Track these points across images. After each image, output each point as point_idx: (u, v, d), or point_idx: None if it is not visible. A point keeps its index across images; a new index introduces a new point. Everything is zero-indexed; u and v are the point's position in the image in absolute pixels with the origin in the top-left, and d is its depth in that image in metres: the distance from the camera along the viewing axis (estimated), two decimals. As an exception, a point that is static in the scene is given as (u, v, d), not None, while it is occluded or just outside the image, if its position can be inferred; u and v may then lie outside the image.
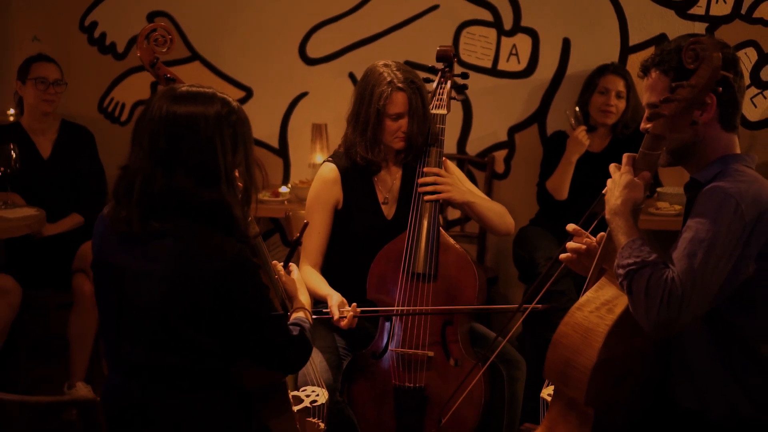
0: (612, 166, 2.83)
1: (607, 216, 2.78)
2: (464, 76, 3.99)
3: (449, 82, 3.91)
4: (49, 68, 5.06)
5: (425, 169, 3.74)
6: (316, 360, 3.54)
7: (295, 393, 3.25)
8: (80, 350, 4.75)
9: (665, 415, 2.87)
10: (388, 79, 3.69)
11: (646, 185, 2.76)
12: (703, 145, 2.80)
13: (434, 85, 3.91)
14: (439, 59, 3.94)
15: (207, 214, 2.60)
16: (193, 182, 2.58)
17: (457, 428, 3.64)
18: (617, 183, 2.77)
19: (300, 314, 2.98)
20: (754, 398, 2.73)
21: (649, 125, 2.74)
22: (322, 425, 3.27)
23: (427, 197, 3.72)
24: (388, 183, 3.86)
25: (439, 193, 3.72)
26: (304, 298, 3.07)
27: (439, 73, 3.93)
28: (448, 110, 3.83)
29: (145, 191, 2.60)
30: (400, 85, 3.68)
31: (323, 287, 3.70)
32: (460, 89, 4.05)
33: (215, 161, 2.60)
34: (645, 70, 2.86)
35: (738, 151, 2.83)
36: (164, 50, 3.21)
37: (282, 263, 3.10)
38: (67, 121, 5.22)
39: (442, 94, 3.86)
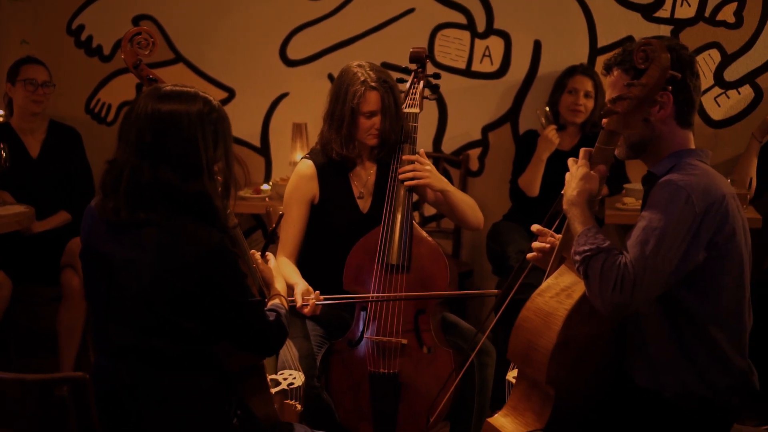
0: (570, 160, 2.94)
1: (564, 206, 2.89)
2: (436, 76, 4.08)
3: (422, 82, 4.00)
4: (38, 70, 5.13)
5: (404, 157, 3.83)
6: (294, 347, 3.66)
7: (273, 376, 3.35)
8: (68, 343, 4.83)
9: (623, 394, 2.96)
10: (362, 78, 3.79)
11: (602, 178, 2.87)
12: (659, 140, 2.90)
13: (407, 85, 3.99)
14: (412, 60, 4.03)
15: (190, 205, 2.69)
16: (176, 175, 2.67)
17: (429, 412, 3.69)
18: (574, 175, 2.89)
19: (276, 301, 3.08)
20: (704, 377, 2.84)
21: (605, 121, 2.86)
22: (299, 406, 3.38)
23: (407, 183, 3.81)
24: (363, 178, 3.96)
25: (419, 179, 3.82)
26: (280, 286, 3.17)
27: (413, 74, 4.02)
28: (421, 109, 3.93)
29: (132, 183, 2.69)
30: (373, 84, 3.78)
31: (293, 276, 3.78)
32: (433, 89, 4.13)
33: (197, 156, 2.70)
34: (607, 68, 2.96)
35: (693, 146, 2.93)
36: (147, 53, 3.29)
37: (260, 253, 3.21)
38: (56, 121, 5.28)
39: (415, 94, 3.95)
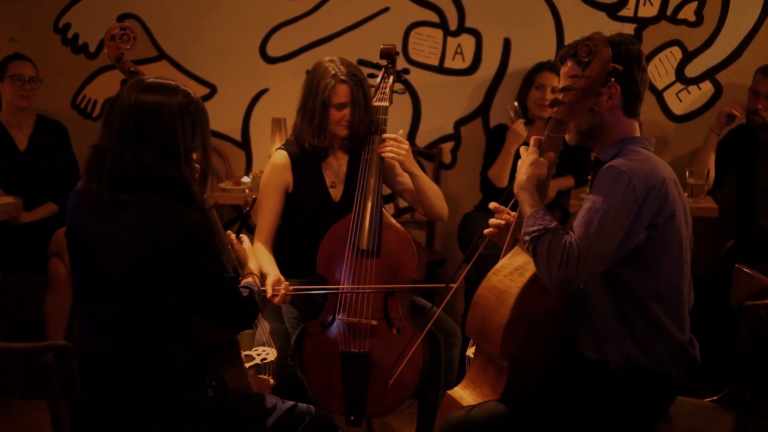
0: (522, 148, 3.09)
1: (515, 191, 3.03)
2: (405, 71, 4.20)
3: (392, 77, 4.12)
4: (25, 66, 5.24)
5: (385, 135, 3.95)
6: (269, 328, 3.78)
7: (247, 352, 3.48)
8: (55, 329, 4.91)
9: (573, 366, 3.09)
10: (333, 72, 3.96)
11: (551, 164, 3.01)
12: (606, 129, 3.04)
13: (378, 80, 4.11)
14: (382, 56, 4.15)
15: (168, 188, 2.83)
16: (156, 160, 2.81)
17: (398, 389, 3.86)
18: (524, 162, 3.03)
19: (249, 279, 3.22)
20: (645, 349, 2.98)
21: (553, 111, 3.00)
22: (271, 381, 3.50)
23: (385, 154, 3.93)
24: (335, 168, 4.10)
25: (397, 155, 3.93)
26: (253, 265, 3.31)
27: (383, 69, 4.14)
28: (390, 102, 4.05)
29: (115, 166, 2.82)
30: (343, 77, 3.94)
31: (267, 265, 3.92)
32: (403, 84, 4.22)
33: (176, 143, 2.84)
34: (562, 59, 3.09)
35: (637, 134, 3.07)
36: (128, 47, 3.44)
37: (235, 234, 3.35)
38: (43, 116, 5.38)
39: (385, 88, 4.07)
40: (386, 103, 4.05)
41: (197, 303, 2.91)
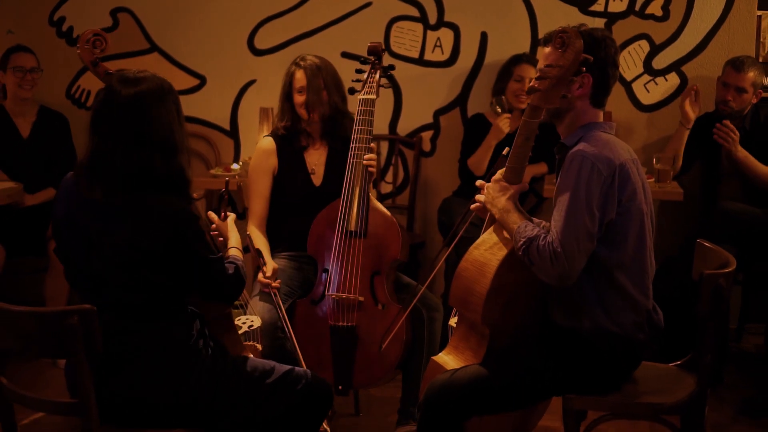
0: (479, 183, 3.32)
1: (498, 218, 3.22)
2: (391, 67, 4.40)
3: (378, 73, 4.32)
4: (27, 57, 5.35)
5: (367, 156, 4.17)
6: (259, 304, 4.01)
7: (235, 322, 3.64)
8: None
9: (548, 332, 3.28)
10: (296, 61, 4.33)
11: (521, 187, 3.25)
12: (573, 114, 3.21)
13: (365, 75, 4.33)
14: (370, 53, 4.36)
15: (168, 183, 2.90)
16: (162, 158, 2.89)
17: (384, 362, 4.05)
18: (492, 192, 3.24)
19: (233, 252, 3.33)
20: (614, 317, 3.17)
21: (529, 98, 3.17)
22: (259, 347, 3.71)
23: (366, 164, 4.17)
24: (315, 158, 4.39)
25: (374, 168, 4.20)
26: (234, 237, 3.41)
27: (370, 65, 4.35)
28: (378, 95, 4.26)
29: (122, 168, 2.88)
30: (301, 63, 4.31)
31: (265, 255, 4.20)
32: (389, 78, 4.40)
33: (173, 134, 2.92)
34: (545, 41, 3.23)
35: (600, 120, 3.24)
36: (98, 51, 3.49)
37: (224, 214, 3.48)
38: (45, 107, 5.48)
39: (372, 82, 4.29)
40: (373, 96, 4.26)
41: (188, 283, 3.00)
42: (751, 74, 5.12)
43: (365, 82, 4.32)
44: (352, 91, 4.35)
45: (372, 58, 4.37)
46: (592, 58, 3.10)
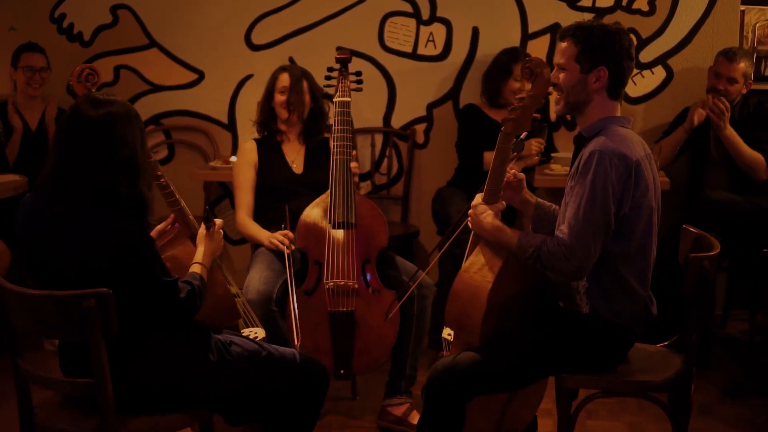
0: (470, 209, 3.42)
1: (490, 239, 3.33)
2: (358, 73, 4.62)
3: (348, 78, 4.55)
4: (37, 57, 5.51)
5: (353, 163, 4.42)
6: (255, 277, 4.21)
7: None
8: None
9: (546, 313, 3.37)
10: (281, 66, 4.68)
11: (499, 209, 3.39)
12: (591, 106, 3.28)
13: (336, 81, 4.55)
14: (337, 61, 4.58)
15: (124, 202, 2.93)
16: (117, 174, 2.92)
17: (382, 344, 4.24)
18: (476, 217, 3.35)
19: (194, 268, 3.26)
20: (612, 305, 3.26)
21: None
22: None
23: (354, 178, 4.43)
24: (294, 154, 4.70)
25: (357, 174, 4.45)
26: (201, 251, 3.35)
27: (337, 72, 4.56)
28: (351, 98, 4.51)
29: (86, 185, 2.91)
30: (286, 67, 4.66)
31: (259, 232, 4.48)
32: (357, 83, 4.60)
33: (136, 155, 2.96)
34: (562, 36, 3.30)
35: (618, 114, 3.30)
36: (92, 86, 3.47)
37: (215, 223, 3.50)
38: (62, 109, 5.53)
39: (345, 87, 4.53)
40: (348, 98, 4.52)
41: (135, 305, 2.98)
42: (743, 65, 5.22)
43: (337, 87, 4.56)
44: (327, 95, 4.64)
45: (338, 65, 4.60)
46: (625, 60, 3.23)
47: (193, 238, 3.54)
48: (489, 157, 5.24)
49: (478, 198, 3.39)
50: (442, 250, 3.91)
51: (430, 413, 3.34)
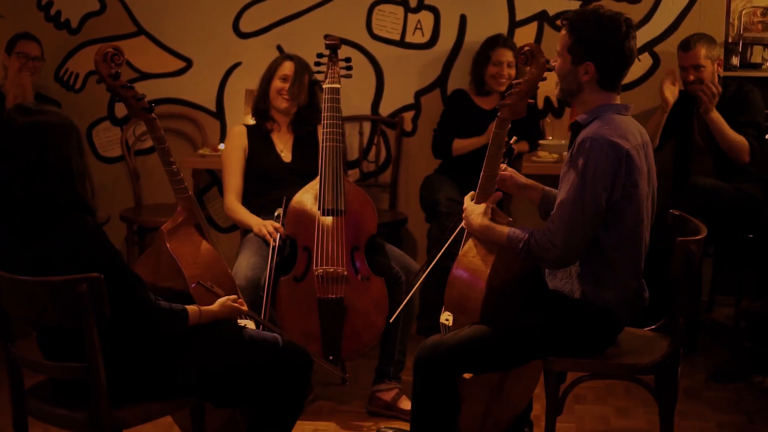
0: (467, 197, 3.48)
1: (480, 237, 3.38)
2: (347, 60, 4.63)
3: (338, 65, 4.56)
4: (32, 46, 5.57)
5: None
6: (244, 263, 4.25)
7: None
8: None
9: (540, 295, 3.42)
10: (285, 54, 4.69)
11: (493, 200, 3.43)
12: (584, 95, 3.29)
13: (326, 68, 4.57)
14: (327, 47, 4.59)
15: (68, 207, 2.94)
16: (51, 182, 2.91)
17: (371, 330, 4.28)
18: (467, 217, 3.40)
19: (192, 308, 3.23)
20: (603, 293, 3.29)
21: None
22: None
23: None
24: (283, 142, 4.74)
25: None
26: (212, 307, 3.32)
27: (327, 58, 4.57)
28: (340, 84, 4.52)
29: (6, 195, 2.93)
30: (291, 55, 4.66)
31: (249, 218, 4.51)
32: (347, 69, 4.61)
33: (69, 164, 2.94)
34: (563, 21, 3.31)
35: (616, 102, 3.29)
36: (114, 66, 3.52)
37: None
38: (41, 94, 5.61)
39: (334, 74, 4.54)
40: (338, 85, 4.54)
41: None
42: (702, 50, 5.19)
43: (327, 73, 4.56)
44: (316, 81, 4.66)
45: (327, 51, 4.60)
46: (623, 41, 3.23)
47: (198, 227, 3.64)
48: (459, 144, 5.46)
49: (467, 199, 3.45)
50: (431, 266, 3.96)
51: (423, 390, 3.36)
